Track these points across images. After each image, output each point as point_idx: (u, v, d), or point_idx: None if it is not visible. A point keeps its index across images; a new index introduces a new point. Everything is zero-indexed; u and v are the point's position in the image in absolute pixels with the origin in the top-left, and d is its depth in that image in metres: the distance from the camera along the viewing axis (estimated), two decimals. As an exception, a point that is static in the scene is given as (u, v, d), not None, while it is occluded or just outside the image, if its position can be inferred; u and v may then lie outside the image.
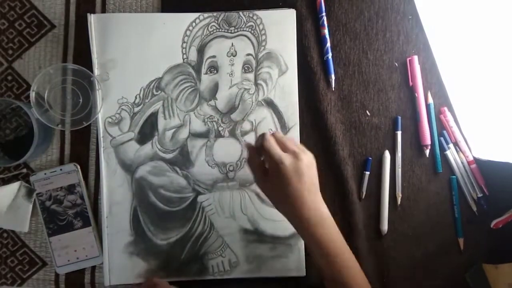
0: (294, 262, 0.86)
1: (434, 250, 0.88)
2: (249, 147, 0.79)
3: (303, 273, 0.86)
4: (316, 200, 0.74)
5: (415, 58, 0.88)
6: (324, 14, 0.88)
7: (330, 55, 0.88)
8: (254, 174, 0.78)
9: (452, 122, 0.88)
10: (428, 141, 0.87)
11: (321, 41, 0.89)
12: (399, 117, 0.88)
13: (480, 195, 0.87)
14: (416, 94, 0.87)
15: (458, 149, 0.88)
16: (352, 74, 0.89)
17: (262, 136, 0.75)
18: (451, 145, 0.88)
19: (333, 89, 0.88)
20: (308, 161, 0.74)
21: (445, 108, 0.88)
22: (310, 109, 0.89)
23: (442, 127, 0.89)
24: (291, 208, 0.73)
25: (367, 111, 0.89)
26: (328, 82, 0.88)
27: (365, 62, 0.90)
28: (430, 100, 0.88)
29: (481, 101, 0.85)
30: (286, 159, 0.72)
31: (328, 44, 0.88)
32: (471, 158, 0.88)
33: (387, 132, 0.89)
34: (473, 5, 0.84)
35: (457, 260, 0.88)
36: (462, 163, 0.88)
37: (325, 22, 0.88)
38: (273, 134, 0.76)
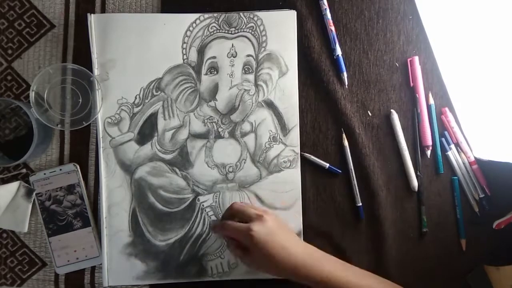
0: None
1: (436, 251, 0.87)
2: (223, 236, 0.85)
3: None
4: (299, 246, 0.79)
5: (416, 58, 0.88)
6: (327, 12, 0.88)
7: (340, 53, 0.88)
8: (236, 256, 0.82)
9: (453, 123, 0.88)
10: (429, 142, 0.87)
11: (321, 40, 0.89)
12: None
13: (482, 195, 0.87)
14: (417, 95, 0.87)
15: (460, 150, 0.88)
16: (352, 74, 0.89)
17: (228, 209, 0.82)
18: (452, 146, 0.87)
19: (346, 86, 0.89)
20: (273, 218, 0.79)
21: (446, 109, 0.88)
22: (311, 109, 0.88)
23: (443, 128, 0.88)
24: (281, 265, 0.76)
25: (369, 112, 0.88)
26: (328, 82, 0.88)
27: (365, 63, 0.89)
28: (431, 101, 0.88)
29: (482, 101, 0.85)
30: (254, 226, 0.76)
31: (337, 43, 0.88)
32: (472, 159, 0.87)
33: (388, 132, 0.88)
34: (474, 5, 0.84)
35: (459, 261, 0.87)
36: (463, 163, 0.87)
37: (330, 21, 0.88)
38: (230, 207, 0.82)
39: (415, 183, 0.87)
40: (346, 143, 0.87)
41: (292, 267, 0.75)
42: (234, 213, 0.81)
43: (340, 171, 0.88)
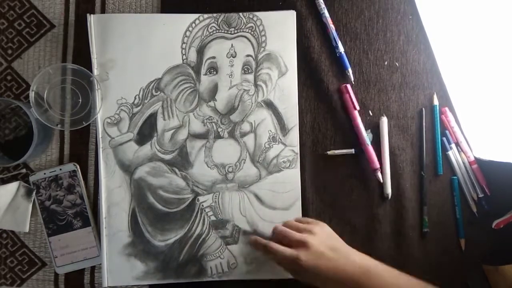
0: (293, 264, 0.86)
1: (435, 250, 0.87)
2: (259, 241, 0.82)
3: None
4: (352, 259, 0.77)
5: (348, 86, 0.88)
6: (325, 12, 0.88)
7: (342, 50, 0.88)
8: (291, 273, 0.79)
9: (453, 122, 0.88)
10: (377, 165, 0.87)
11: (321, 40, 0.89)
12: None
13: (481, 195, 0.87)
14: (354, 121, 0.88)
15: (460, 149, 0.88)
16: (352, 74, 0.88)
17: (264, 247, 0.79)
18: (453, 145, 0.87)
19: (353, 81, 0.89)
20: (319, 238, 0.77)
21: (446, 109, 0.88)
22: (310, 109, 0.88)
23: (443, 127, 0.88)
24: (338, 283, 0.74)
25: (370, 111, 0.88)
26: (328, 82, 0.88)
27: (365, 62, 0.89)
28: (436, 102, 0.88)
29: (482, 101, 0.85)
30: (301, 255, 0.74)
31: (339, 40, 0.88)
32: (472, 159, 0.87)
33: (388, 132, 0.88)
34: (474, 5, 0.84)
35: (458, 261, 0.87)
36: (463, 163, 0.87)
37: (329, 20, 0.88)
38: (274, 229, 0.80)
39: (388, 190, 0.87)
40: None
41: (346, 283, 0.75)
42: (278, 237, 0.80)
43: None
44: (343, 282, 0.74)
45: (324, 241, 0.77)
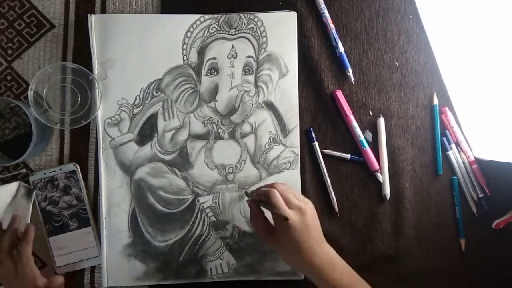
0: (293, 265, 0.86)
1: (435, 250, 0.88)
2: (252, 206, 0.80)
3: (301, 276, 0.86)
4: (323, 247, 0.78)
5: (339, 92, 0.88)
6: (325, 11, 0.88)
7: (342, 50, 0.88)
8: (261, 234, 0.80)
9: (453, 122, 0.88)
10: (376, 167, 0.87)
11: (321, 40, 0.89)
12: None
13: (481, 195, 0.87)
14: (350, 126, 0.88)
15: (460, 149, 0.88)
16: (352, 74, 0.88)
17: (269, 191, 0.75)
18: (453, 145, 0.87)
19: (353, 81, 0.89)
20: (311, 213, 0.77)
21: (446, 108, 0.88)
22: (310, 109, 0.88)
23: (443, 127, 0.89)
24: (302, 260, 0.76)
25: (370, 111, 0.88)
26: (328, 82, 0.88)
27: (365, 62, 0.89)
28: (436, 102, 0.88)
29: (482, 101, 0.85)
30: (294, 216, 0.74)
31: (339, 40, 0.88)
32: (472, 159, 0.88)
33: (388, 132, 0.89)
34: (474, 4, 0.84)
35: (458, 261, 0.88)
36: (463, 163, 0.88)
37: (329, 20, 0.88)
38: (276, 187, 0.77)
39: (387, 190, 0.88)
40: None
41: (310, 265, 0.75)
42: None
43: (362, 159, 0.88)
44: (310, 264, 0.75)
45: (315, 220, 0.77)
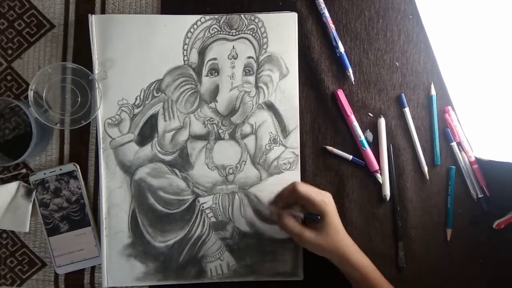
0: (293, 266, 0.87)
1: (436, 250, 0.88)
2: (274, 211, 0.82)
3: (301, 277, 0.87)
4: (344, 236, 0.81)
5: (340, 91, 0.88)
6: (325, 11, 0.88)
7: (342, 50, 0.88)
8: (295, 231, 0.79)
9: (455, 122, 0.88)
10: (375, 167, 0.88)
11: (322, 41, 0.89)
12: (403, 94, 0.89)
13: (481, 195, 0.87)
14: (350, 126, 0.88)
15: (461, 149, 0.88)
16: (353, 74, 0.88)
17: (292, 184, 0.79)
18: (454, 144, 0.87)
19: (353, 82, 0.89)
20: (333, 202, 0.80)
21: (449, 107, 0.88)
22: (310, 109, 0.88)
23: (445, 125, 0.89)
24: (341, 240, 0.79)
25: (369, 113, 0.88)
26: (328, 82, 0.88)
27: (365, 62, 0.89)
28: (433, 92, 0.88)
29: (483, 101, 0.85)
30: (327, 197, 0.79)
31: (339, 40, 0.88)
32: (473, 159, 0.88)
33: (389, 131, 0.89)
34: (474, 4, 0.84)
35: (459, 261, 0.88)
36: (464, 163, 0.87)
37: (329, 20, 0.88)
38: (295, 190, 0.79)
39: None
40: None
41: (347, 245, 0.79)
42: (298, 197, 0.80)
43: (364, 163, 0.88)
44: (347, 244, 0.79)
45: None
